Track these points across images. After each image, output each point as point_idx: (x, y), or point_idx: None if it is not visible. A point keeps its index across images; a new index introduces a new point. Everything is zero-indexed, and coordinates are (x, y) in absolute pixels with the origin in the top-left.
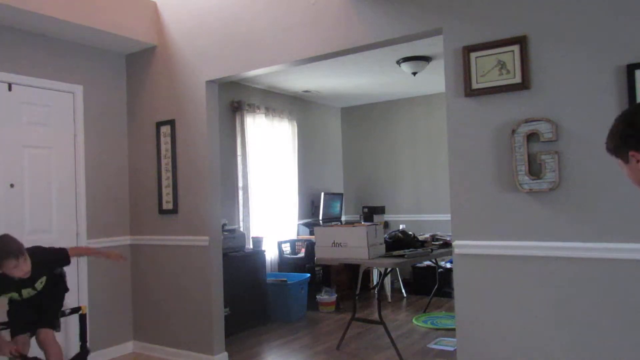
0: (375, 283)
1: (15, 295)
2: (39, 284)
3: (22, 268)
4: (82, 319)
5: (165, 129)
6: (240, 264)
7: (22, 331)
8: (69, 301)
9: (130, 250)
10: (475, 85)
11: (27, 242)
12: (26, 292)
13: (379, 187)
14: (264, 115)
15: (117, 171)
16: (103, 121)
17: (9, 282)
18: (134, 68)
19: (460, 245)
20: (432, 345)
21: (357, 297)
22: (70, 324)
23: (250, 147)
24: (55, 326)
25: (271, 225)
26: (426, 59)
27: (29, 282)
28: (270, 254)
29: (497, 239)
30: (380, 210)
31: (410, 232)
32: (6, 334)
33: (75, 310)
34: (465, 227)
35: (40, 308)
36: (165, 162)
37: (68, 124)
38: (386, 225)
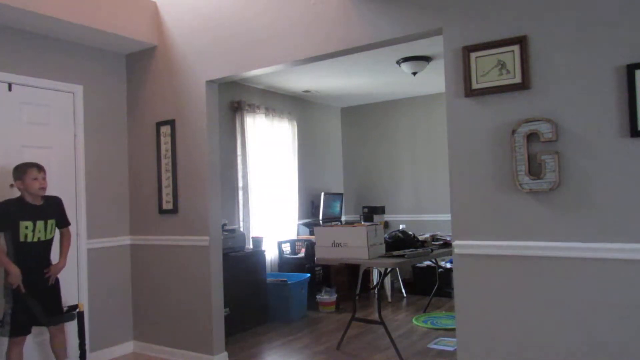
0: (375, 283)
1: (29, 225)
2: (50, 226)
3: (40, 182)
4: (80, 317)
5: (165, 129)
6: (240, 264)
7: (26, 331)
8: (69, 301)
9: (130, 250)
10: (475, 85)
11: None
12: (40, 226)
13: (379, 187)
14: (264, 115)
15: (117, 171)
16: (103, 121)
17: (26, 206)
18: (134, 68)
19: (460, 245)
20: (432, 345)
21: (357, 297)
22: (69, 322)
23: (250, 147)
24: (64, 319)
25: (271, 225)
26: (426, 59)
27: (43, 213)
28: (270, 254)
29: (497, 239)
30: (380, 210)
31: (410, 232)
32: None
33: (72, 308)
34: (465, 227)
35: (45, 304)
36: (165, 162)
37: (68, 124)
38: (386, 225)
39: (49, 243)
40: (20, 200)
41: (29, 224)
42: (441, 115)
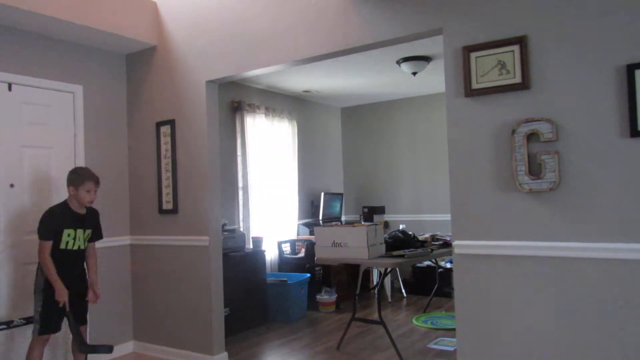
0: (375, 283)
1: (71, 233)
2: (87, 236)
3: (92, 195)
4: None
5: (165, 129)
6: (240, 264)
7: (56, 328)
8: None
9: (130, 250)
10: (475, 85)
11: (27, 241)
12: (79, 234)
13: (379, 187)
14: (264, 115)
15: (117, 171)
16: (103, 121)
17: (72, 215)
18: (134, 68)
19: (460, 245)
20: (432, 345)
21: (357, 297)
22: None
23: (250, 147)
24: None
25: (271, 225)
26: (426, 59)
27: (84, 223)
28: (270, 254)
29: (497, 239)
30: (380, 210)
31: (410, 232)
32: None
33: None
34: (465, 227)
35: (78, 307)
36: (165, 162)
37: (68, 124)
38: (386, 225)
39: (83, 252)
40: (65, 206)
41: (72, 231)
42: (441, 115)
